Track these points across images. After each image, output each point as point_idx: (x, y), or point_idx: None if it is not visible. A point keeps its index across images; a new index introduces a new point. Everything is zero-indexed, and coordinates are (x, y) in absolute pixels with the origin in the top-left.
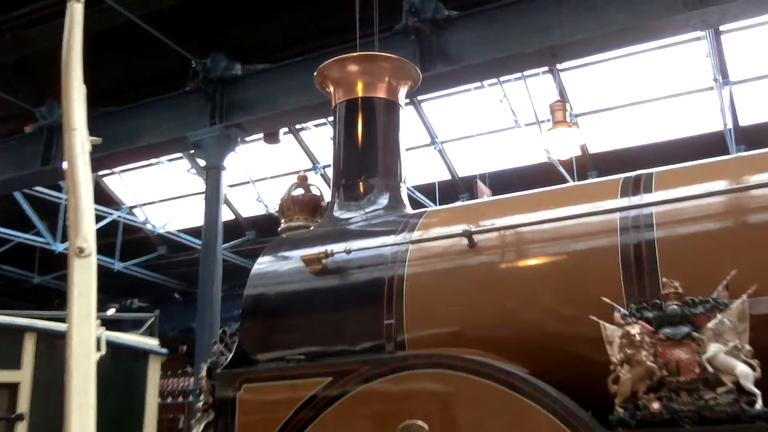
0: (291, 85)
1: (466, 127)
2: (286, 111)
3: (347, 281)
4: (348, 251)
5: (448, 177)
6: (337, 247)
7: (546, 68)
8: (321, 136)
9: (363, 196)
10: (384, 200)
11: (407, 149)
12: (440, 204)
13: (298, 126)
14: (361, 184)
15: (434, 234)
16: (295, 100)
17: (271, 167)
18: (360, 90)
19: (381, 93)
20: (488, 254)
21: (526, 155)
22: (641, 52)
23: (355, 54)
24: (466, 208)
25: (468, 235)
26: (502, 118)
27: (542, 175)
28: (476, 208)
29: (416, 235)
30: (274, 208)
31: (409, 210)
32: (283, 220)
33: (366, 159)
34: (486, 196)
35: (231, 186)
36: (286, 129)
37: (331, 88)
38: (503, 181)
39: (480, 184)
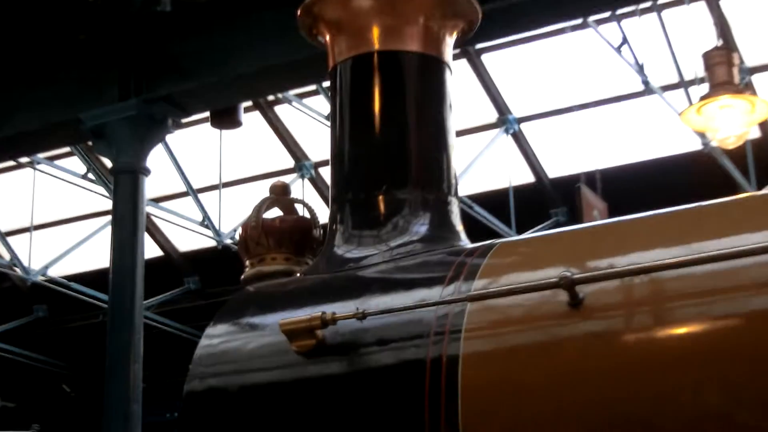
0: (256, 30)
1: (558, 95)
2: (248, 73)
3: (360, 367)
4: (361, 315)
5: (530, 179)
6: (341, 307)
7: None
8: (310, 116)
9: (385, 219)
10: (421, 226)
11: (458, 134)
12: (518, 228)
13: (270, 97)
14: (381, 199)
15: (509, 283)
16: (263, 54)
17: (228, 169)
18: (377, 39)
19: (413, 44)
20: (604, 319)
21: (665, 141)
22: None
23: None
24: (563, 236)
25: (569, 284)
26: (621, 78)
27: (693, 174)
28: (580, 237)
29: (479, 285)
30: (231, 239)
31: (465, 242)
32: (248, 262)
33: (389, 156)
34: (597, 212)
35: (157, 201)
36: (249, 103)
37: (327, 36)
38: (626, 187)
39: (585, 192)
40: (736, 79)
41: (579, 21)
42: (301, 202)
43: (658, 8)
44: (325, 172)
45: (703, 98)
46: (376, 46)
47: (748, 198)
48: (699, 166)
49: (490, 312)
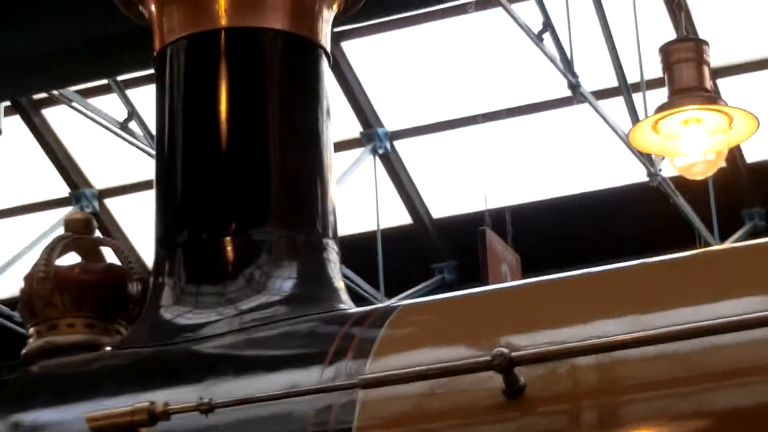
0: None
1: (448, 101)
2: (25, 59)
3: None
4: (207, 406)
5: (405, 220)
6: (176, 395)
7: None
8: (98, 123)
9: (235, 271)
10: (286, 281)
11: None
12: (387, 289)
13: (39, 95)
14: (229, 242)
15: (419, 363)
16: (45, 31)
17: None
18: (225, 10)
19: (277, 19)
20: (554, 415)
21: (598, 169)
22: None
23: None
24: (488, 299)
25: (506, 365)
26: (540, 78)
27: (636, 216)
28: (514, 300)
29: (376, 366)
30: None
31: (347, 304)
32: (32, 330)
33: (242, 181)
34: (506, 268)
35: None
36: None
37: (153, 6)
38: (540, 232)
39: (492, 239)
40: (708, 83)
41: None
42: (111, 243)
43: None
44: (114, 204)
45: (660, 108)
46: (224, 22)
47: (714, 252)
48: (643, 205)
49: (392, 403)
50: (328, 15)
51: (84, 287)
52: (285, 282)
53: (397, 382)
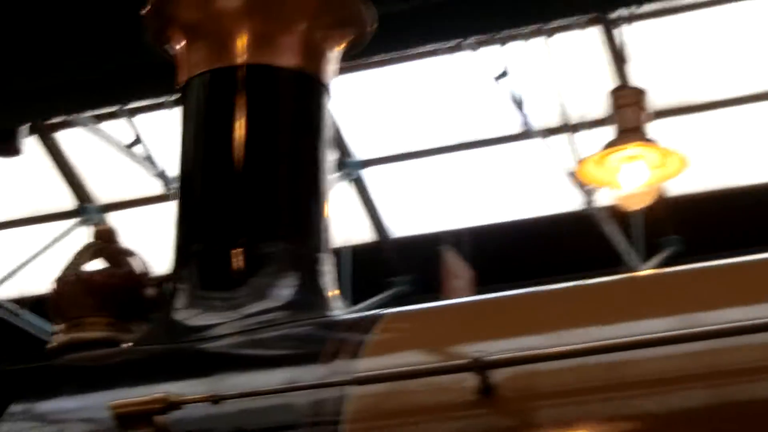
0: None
1: (419, 133)
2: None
3: None
4: (216, 398)
5: (368, 238)
6: (187, 387)
7: (592, 15)
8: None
9: (243, 279)
10: (286, 289)
11: None
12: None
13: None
14: (238, 254)
15: (404, 364)
16: (65, 63)
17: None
18: (241, 49)
19: (288, 57)
20: (519, 412)
21: (546, 198)
22: None
23: None
24: (466, 306)
25: (481, 366)
26: (497, 117)
27: (573, 240)
28: (488, 310)
29: (365, 365)
30: (14, 296)
31: (339, 310)
32: (57, 327)
33: (252, 201)
34: (460, 283)
35: None
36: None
37: (180, 43)
38: (498, 251)
39: (448, 256)
40: (647, 125)
41: (451, 43)
42: (132, 252)
43: (549, 33)
44: (117, 217)
45: (608, 146)
46: (243, 59)
47: (657, 275)
48: (580, 230)
49: (378, 399)
50: (334, 54)
51: (108, 290)
52: (286, 290)
53: (385, 380)
